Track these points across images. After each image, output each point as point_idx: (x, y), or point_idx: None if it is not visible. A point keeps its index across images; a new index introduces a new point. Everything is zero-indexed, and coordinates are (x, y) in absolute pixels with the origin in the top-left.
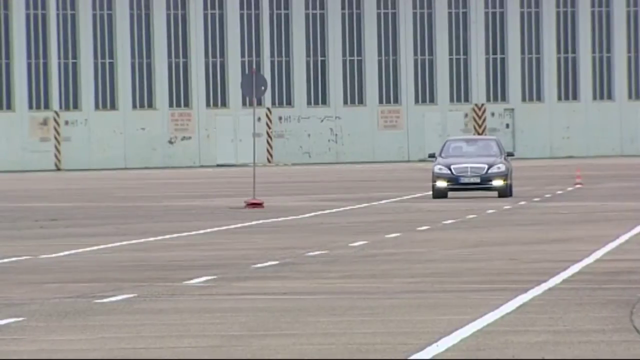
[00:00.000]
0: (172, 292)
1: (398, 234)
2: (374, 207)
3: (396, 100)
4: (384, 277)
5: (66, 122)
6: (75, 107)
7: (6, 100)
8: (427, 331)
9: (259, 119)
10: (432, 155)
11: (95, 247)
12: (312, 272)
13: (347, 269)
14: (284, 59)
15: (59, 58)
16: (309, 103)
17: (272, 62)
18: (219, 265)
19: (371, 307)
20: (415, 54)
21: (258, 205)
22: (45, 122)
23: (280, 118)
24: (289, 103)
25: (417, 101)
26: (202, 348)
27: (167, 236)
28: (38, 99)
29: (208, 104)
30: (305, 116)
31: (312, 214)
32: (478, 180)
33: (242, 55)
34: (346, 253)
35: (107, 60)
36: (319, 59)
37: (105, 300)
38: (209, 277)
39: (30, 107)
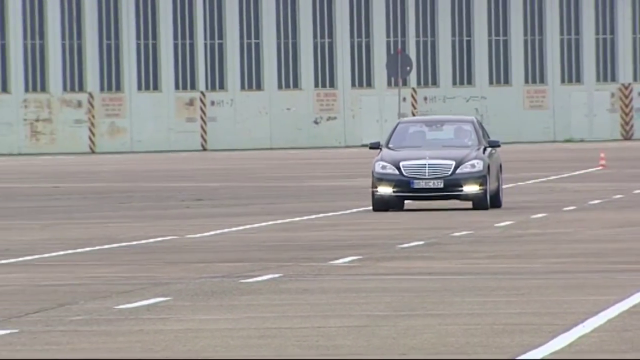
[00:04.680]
0: (318, 272)
1: (544, 214)
2: (520, 187)
3: (542, 80)
4: (529, 258)
5: (212, 103)
6: (221, 87)
7: (153, 81)
8: (573, 311)
9: (404, 99)
10: (374, 146)
11: (240, 227)
12: (458, 252)
13: (492, 250)
14: (429, 39)
15: (205, 39)
16: (454, 83)
17: (417, 42)
18: (364, 245)
19: (517, 288)
20: (562, 33)
21: None
22: (191, 103)
23: (425, 98)
24: (434, 83)
25: (562, 81)
26: (347, 328)
27: (313, 216)
28: (184, 80)
29: (353, 84)
30: (450, 96)
31: None
32: (440, 184)
33: (388, 36)
34: (491, 233)
35: (253, 41)
36: (465, 38)
37: (250, 280)
38: (355, 257)
39: (177, 87)
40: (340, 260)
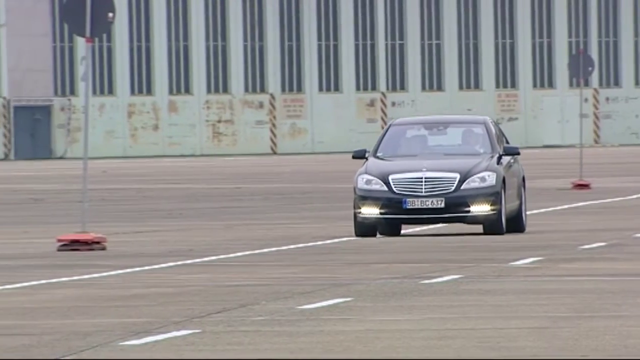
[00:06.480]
0: (499, 273)
1: None
2: None
3: None
4: None
5: (393, 104)
6: (402, 88)
7: (334, 82)
8: None
9: (586, 99)
10: (359, 155)
11: (420, 228)
12: None
13: None
14: (611, 39)
15: (386, 39)
16: (636, 83)
17: (600, 43)
18: (546, 246)
19: None
20: None
21: (585, 186)
22: (372, 104)
23: (607, 99)
24: (617, 84)
25: None
26: (528, 329)
27: None
28: (365, 81)
29: (535, 85)
30: (632, 97)
31: None
32: (441, 204)
33: (569, 36)
34: None
35: (434, 41)
36: None
37: (431, 281)
38: (536, 258)
39: (357, 88)
40: (521, 262)
